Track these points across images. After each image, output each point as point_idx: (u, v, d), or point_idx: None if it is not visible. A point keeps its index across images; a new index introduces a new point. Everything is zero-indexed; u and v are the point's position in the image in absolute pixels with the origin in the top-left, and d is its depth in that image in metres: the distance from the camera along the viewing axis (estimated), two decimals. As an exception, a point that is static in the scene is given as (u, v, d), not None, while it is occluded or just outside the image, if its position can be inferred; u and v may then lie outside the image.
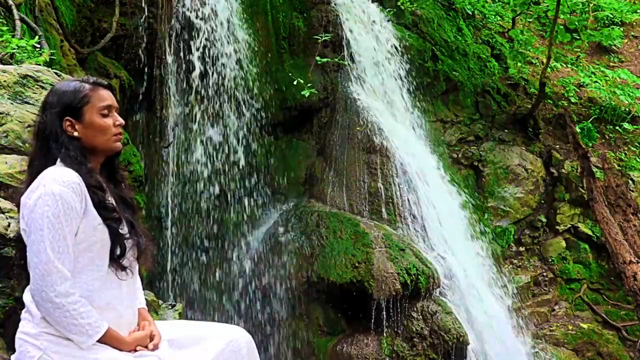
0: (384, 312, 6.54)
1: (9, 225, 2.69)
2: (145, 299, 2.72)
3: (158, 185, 6.89)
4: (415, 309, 6.69)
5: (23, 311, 2.34)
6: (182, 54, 6.93)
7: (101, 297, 2.33)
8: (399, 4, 8.90)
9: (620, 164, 9.58)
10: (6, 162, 2.99)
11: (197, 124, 7.06)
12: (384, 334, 6.57)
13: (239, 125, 7.27)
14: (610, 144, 9.96)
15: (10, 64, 3.83)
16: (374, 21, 8.71)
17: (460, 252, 7.63)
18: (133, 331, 2.44)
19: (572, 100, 10.15)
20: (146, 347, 2.40)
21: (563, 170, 9.37)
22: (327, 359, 6.67)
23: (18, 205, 2.34)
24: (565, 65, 10.66)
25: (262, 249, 7.13)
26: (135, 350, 2.37)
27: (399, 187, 7.52)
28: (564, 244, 9.17)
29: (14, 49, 3.96)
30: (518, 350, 7.57)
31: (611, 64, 11.36)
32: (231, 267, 7.11)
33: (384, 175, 7.57)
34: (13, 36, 4.17)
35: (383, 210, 7.46)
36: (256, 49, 7.48)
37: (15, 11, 4.48)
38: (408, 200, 7.51)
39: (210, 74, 7.06)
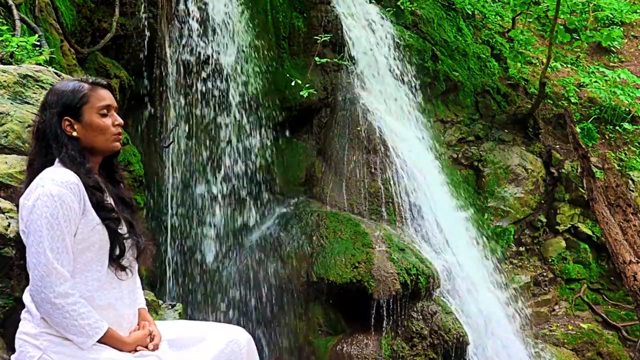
0: (384, 312, 6.54)
1: (9, 225, 2.69)
2: (145, 299, 2.72)
3: (158, 185, 6.89)
4: (415, 309, 6.68)
5: (23, 311, 2.34)
6: (181, 54, 6.93)
7: (101, 297, 2.33)
8: (398, 3, 8.91)
9: (620, 164, 9.58)
10: (6, 162, 2.99)
11: (196, 123, 7.06)
12: (384, 334, 6.56)
13: (239, 125, 7.27)
14: (610, 144, 9.96)
15: (10, 63, 3.83)
16: (373, 21, 8.71)
17: (460, 251, 7.63)
18: (133, 331, 2.44)
19: (572, 100, 10.15)
20: (146, 347, 2.40)
21: (563, 170, 9.36)
22: (327, 359, 6.66)
23: (18, 206, 2.34)
24: (565, 65, 10.66)
25: (262, 249, 7.13)
26: (136, 351, 2.37)
27: (399, 187, 7.52)
28: (564, 244, 9.17)
29: (14, 47, 3.96)
30: (518, 350, 7.56)
31: (611, 64, 11.37)
32: (231, 266, 7.11)
33: (384, 175, 7.57)
34: (13, 36, 4.16)
35: (383, 210, 7.46)
36: (256, 48, 7.48)
37: (15, 11, 4.48)
38: (408, 200, 7.51)
39: (210, 74, 7.06)
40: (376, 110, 8.00)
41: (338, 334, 6.81)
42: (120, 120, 2.45)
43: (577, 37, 10.22)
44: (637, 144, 9.98)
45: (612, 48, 11.61)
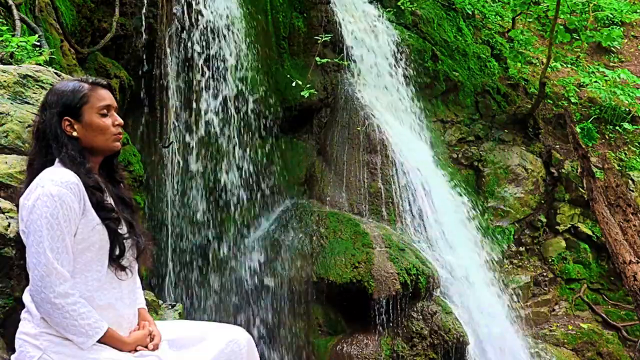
0: (384, 312, 6.54)
1: (9, 225, 2.69)
2: (145, 299, 2.72)
3: (158, 185, 6.89)
4: (415, 309, 6.68)
5: (23, 311, 2.34)
6: (182, 54, 6.93)
7: (101, 297, 2.33)
8: (399, 4, 8.91)
9: (620, 164, 9.59)
10: (6, 162, 2.98)
11: (197, 123, 7.05)
12: (384, 334, 6.56)
13: (239, 126, 7.26)
14: (610, 144, 9.96)
15: (10, 63, 3.83)
16: (373, 21, 8.71)
17: (460, 251, 7.63)
18: (133, 331, 2.44)
19: (572, 100, 10.16)
20: (146, 347, 2.40)
21: (563, 170, 9.37)
22: (327, 359, 6.66)
23: (18, 206, 2.34)
24: (565, 65, 10.66)
25: (262, 249, 7.13)
26: (136, 350, 2.37)
27: (399, 187, 7.52)
28: (564, 244, 9.17)
29: (14, 47, 3.95)
30: (518, 350, 7.56)
31: (611, 64, 11.37)
32: (231, 267, 7.11)
33: (384, 175, 7.57)
34: (13, 36, 4.16)
35: (383, 210, 7.46)
36: (256, 49, 7.47)
37: (15, 11, 4.48)
38: (408, 200, 7.51)
39: (210, 74, 7.06)
40: (376, 110, 8.01)
41: (338, 334, 6.81)
42: (120, 120, 2.45)
43: (577, 37, 10.22)
44: (637, 144, 9.98)
45: (612, 48, 11.61)
